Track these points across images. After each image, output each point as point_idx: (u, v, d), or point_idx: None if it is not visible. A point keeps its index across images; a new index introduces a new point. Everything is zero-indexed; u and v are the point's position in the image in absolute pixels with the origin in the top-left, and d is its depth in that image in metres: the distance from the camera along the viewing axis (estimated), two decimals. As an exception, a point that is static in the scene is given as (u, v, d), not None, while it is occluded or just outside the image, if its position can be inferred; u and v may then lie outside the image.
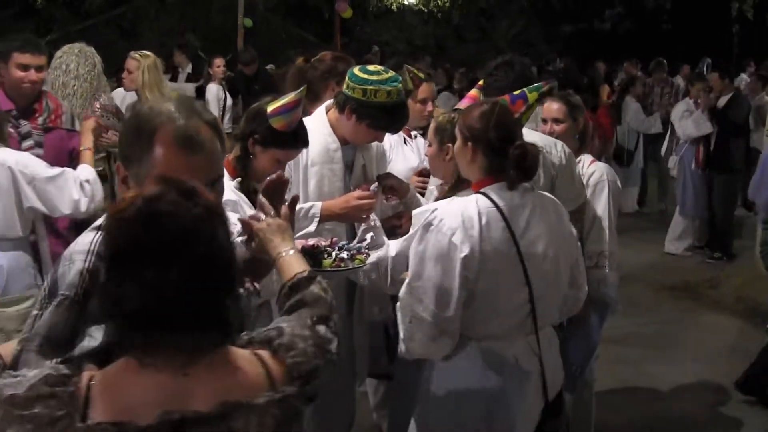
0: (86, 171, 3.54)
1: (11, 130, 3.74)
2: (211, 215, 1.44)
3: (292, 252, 1.95)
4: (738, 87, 9.21)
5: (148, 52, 5.51)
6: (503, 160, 2.52)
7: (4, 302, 3.13)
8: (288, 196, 3.12)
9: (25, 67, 3.84)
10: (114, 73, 6.38)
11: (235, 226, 2.52)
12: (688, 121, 7.90)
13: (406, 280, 2.56)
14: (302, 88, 2.95)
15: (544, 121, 3.86)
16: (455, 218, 2.46)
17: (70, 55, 4.72)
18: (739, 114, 8.07)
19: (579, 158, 3.78)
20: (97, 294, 1.53)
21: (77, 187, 3.43)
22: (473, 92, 3.50)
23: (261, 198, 2.15)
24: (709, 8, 16.45)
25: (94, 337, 1.61)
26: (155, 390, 1.40)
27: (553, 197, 2.77)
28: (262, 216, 2.05)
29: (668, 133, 8.98)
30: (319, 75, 3.76)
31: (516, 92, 2.97)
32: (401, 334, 2.58)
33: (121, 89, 5.99)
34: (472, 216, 2.46)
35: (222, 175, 1.84)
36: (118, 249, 1.40)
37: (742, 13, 12.26)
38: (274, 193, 2.33)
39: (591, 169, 3.78)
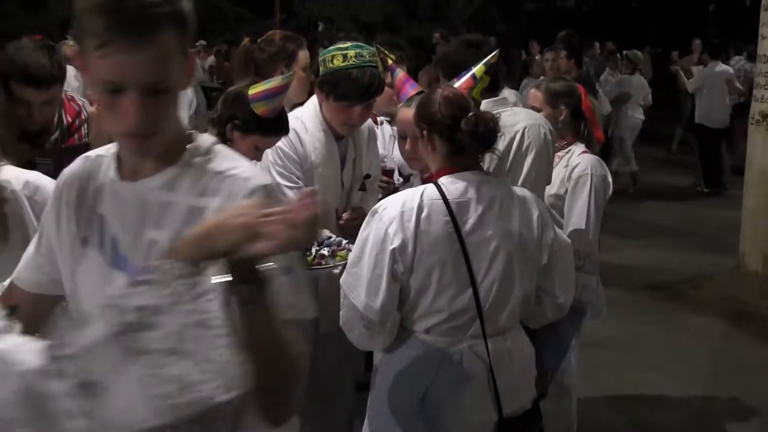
0: None
1: None
2: None
3: None
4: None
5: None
6: (459, 135, 2.43)
7: None
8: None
9: None
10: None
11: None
12: None
13: (347, 265, 2.53)
14: (290, 73, 2.88)
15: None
16: (396, 208, 2.39)
17: None
18: None
19: (570, 148, 3.63)
20: None
21: None
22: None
23: None
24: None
25: None
26: None
27: (526, 193, 2.61)
28: None
29: None
30: (267, 57, 3.60)
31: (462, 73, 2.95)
32: (341, 320, 2.50)
33: None
34: (412, 207, 2.38)
35: None
36: None
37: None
38: None
39: (577, 160, 3.58)
